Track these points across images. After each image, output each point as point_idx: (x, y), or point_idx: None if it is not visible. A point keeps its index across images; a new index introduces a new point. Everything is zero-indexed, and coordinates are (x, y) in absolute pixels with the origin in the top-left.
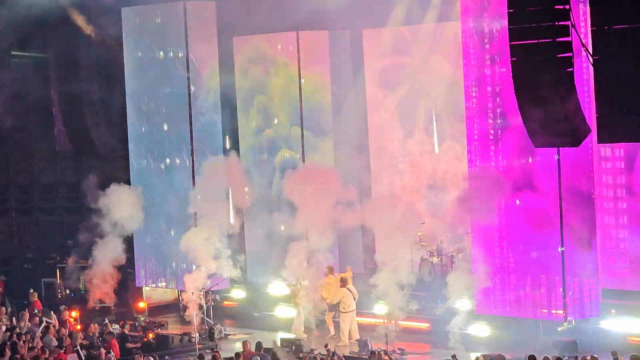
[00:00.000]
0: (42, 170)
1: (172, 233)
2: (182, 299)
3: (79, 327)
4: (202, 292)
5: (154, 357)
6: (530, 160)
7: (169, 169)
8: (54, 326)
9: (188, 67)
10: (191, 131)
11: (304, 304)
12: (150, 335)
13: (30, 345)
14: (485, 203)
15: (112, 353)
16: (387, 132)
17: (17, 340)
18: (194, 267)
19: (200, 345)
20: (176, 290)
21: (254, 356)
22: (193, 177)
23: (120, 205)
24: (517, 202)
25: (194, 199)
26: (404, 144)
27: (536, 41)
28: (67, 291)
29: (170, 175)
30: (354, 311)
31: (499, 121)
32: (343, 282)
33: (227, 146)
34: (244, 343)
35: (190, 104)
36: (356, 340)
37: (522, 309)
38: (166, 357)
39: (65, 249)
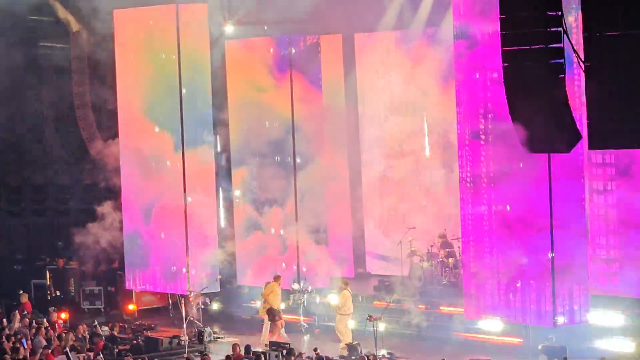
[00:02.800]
0: (33, 172)
1: (162, 235)
2: (182, 300)
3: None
4: (192, 295)
5: None
6: (520, 165)
7: (160, 170)
8: (45, 327)
9: (179, 68)
10: (182, 132)
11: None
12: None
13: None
14: None
15: (101, 355)
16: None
17: (6, 341)
18: (184, 270)
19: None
20: (166, 294)
21: (243, 359)
22: (184, 178)
23: None
24: (508, 207)
25: None
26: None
27: (528, 47)
28: (57, 293)
29: (161, 176)
30: (351, 314)
31: (490, 126)
32: (345, 284)
33: (219, 148)
34: (234, 346)
35: (181, 105)
36: (346, 344)
37: (511, 315)
38: None
39: (55, 251)
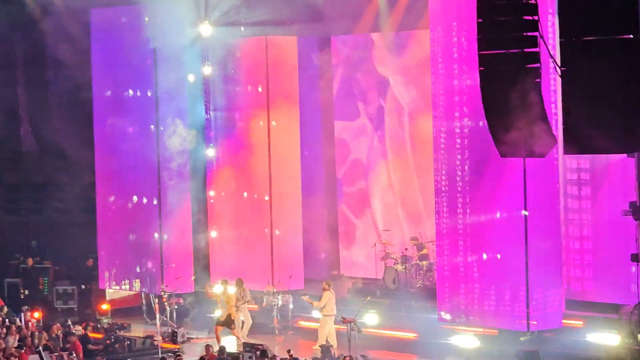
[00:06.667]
0: (7, 170)
1: (134, 236)
2: (155, 300)
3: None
4: (165, 295)
5: None
6: (496, 169)
7: (134, 170)
8: (18, 327)
9: (156, 69)
10: (157, 130)
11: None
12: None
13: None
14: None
15: (74, 355)
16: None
17: None
18: (154, 270)
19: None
20: (140, 293)
21: None
22: (159, 180)
23: None
24: (482, 211)
25: None
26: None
27: (504, 51)
28: (26, 292)
29: (135, 177)
30: (333, 316)
31: (466, 130)
32: (328, 285)
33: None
34: (207, 347)
35: (157, 107)
36: (319, 346)
37: (485, 319)
38: None
39: (29, 250)
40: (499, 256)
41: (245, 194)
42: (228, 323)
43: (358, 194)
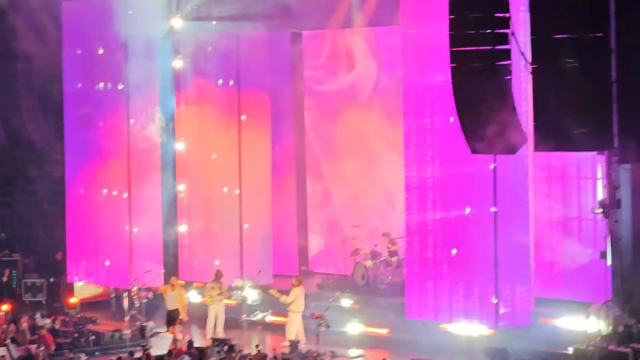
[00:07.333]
0: None
1: (105, 229)
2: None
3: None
4: (134, 289)
5: (84, 353)
6: (466, 166)
7: (105, 164)
8: None
9: (126, 64)
10: (128, 124)
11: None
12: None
13: None
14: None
15: (43, 347)
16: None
17: None
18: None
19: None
20: (108, 287)
21: (185, 355)
22: (129, 173)
23: None
24: (452, 207)
25: None
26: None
27: (476, 48)
28: None
29: (105, 170)
30: (301, 312)
31: (436, 126)
32: (297, 282)
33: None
34: (174, 341)
35: (128, 100)
36: (289, 340)
37: (454, 315)
38: (96, 353)
39: None
40: (467, 254)
41: (214, 188)
42: (173, 318)
43: (325, 188)
